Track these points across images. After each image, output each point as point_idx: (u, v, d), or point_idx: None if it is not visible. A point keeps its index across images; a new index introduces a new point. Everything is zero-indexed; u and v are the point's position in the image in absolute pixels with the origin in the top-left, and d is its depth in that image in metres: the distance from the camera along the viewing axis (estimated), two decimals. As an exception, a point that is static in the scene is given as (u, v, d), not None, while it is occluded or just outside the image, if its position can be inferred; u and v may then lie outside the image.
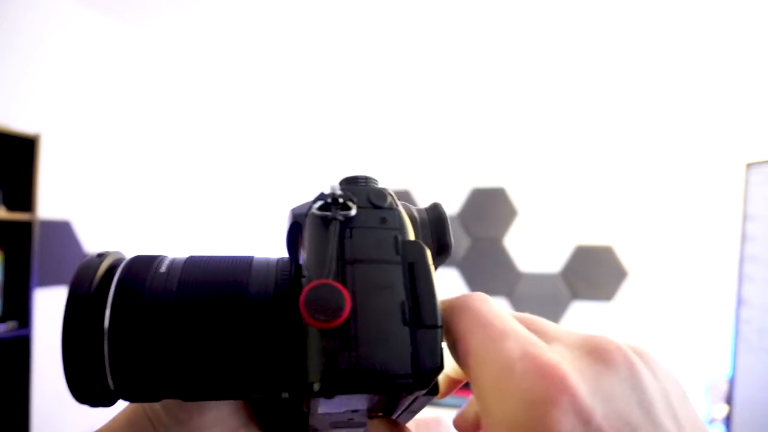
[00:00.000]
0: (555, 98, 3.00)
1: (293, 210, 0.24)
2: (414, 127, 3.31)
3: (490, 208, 3.11)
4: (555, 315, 2.90)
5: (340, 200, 0.22)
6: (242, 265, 0.23)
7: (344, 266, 0.20)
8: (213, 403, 0.25)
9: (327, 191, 0.22)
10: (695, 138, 2.76)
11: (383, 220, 0.22)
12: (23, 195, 1.74)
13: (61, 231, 2.01)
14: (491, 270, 3.10)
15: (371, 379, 0.18)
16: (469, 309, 0.19)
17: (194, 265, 0.22)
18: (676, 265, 2.71)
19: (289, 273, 0.23)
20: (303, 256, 0.21)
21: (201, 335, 0.21)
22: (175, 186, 2.57)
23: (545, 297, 2.96)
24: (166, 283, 0.21)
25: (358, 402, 0.20)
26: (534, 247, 3.03)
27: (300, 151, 3.42)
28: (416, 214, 0.25)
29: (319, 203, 0.22)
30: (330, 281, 0.20)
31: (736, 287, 2.54)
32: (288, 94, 3.16)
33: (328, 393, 0.18)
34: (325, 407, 0.20)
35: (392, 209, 0.22)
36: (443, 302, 0.20)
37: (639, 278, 2.82)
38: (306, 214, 0.22)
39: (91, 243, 2.14)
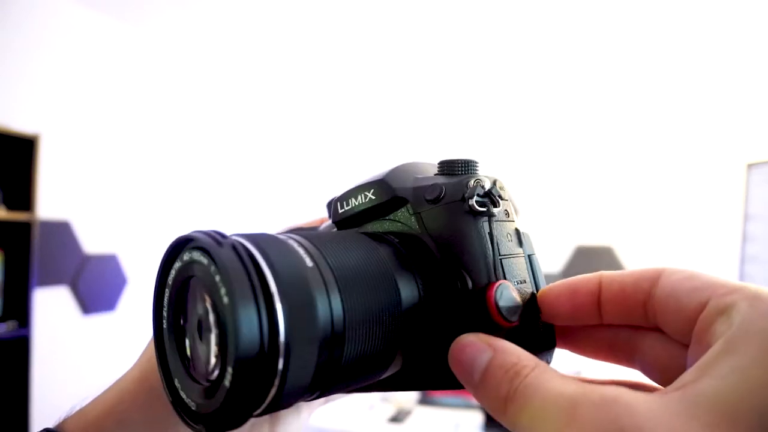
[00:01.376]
0: (555, 98, 3.00)
1: (381, 185, 0.24)
2: (414, 127, 3.31)
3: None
4: (555, 315, 2.89)
5: (491, 194, 0.22)
6: (381, 255, 0.21)
7: (501, 263, 0.21)
8: None
9: (478, 183, 0.22)
10: (696, 138, 2.75)
11: (507, 213, 0.23)
12: (23, 195, 1.74)
13: (61, 231, 2.01)
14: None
15: None
16: None
17: (329, 245, 0.20)
18: (676, 265, 2.70)
19: (426, 267, 0.22)
20: (437, 243, 0.22)
21: (371, 331, 0.19)
22: (176, 186, 2.57)
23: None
24: (317, 265, 0.19)
25: None
26: (534, 247, 3.02)
27: (300, 151, 3.42)
28: None
29: (476, 198, 0.22)
30: (506, 282, 0.21)
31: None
32: (289, 94, 3.16)
33: None
34: None
35: (509, 200, 0.24)
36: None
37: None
38: (417, 192, 0.23)
39: (91, 243, 2.14)
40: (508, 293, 0.20)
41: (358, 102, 3.26)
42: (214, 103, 2.82)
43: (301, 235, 0.20)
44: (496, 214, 0.22)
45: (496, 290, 0.20)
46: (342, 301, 0.18)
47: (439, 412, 2.41)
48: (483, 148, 3.17)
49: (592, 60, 2.52)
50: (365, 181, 0.25)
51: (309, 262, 0.18)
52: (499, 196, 0.22)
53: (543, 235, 3.01)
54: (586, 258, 2.92)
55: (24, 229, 1.74)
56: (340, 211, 0.26)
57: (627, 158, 2.90)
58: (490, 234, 0.22)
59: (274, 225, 3.15)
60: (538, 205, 3.05)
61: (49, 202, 1.94)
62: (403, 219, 0.23)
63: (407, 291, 0.21)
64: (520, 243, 0.23)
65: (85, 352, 2.11)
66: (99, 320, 2.17)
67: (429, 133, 3.27)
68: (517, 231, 0.23)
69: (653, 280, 0.19)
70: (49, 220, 1.94)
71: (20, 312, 1.73)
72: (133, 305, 2.33)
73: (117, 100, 2.26)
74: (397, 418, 2.36)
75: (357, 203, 0.25)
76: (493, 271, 0.21)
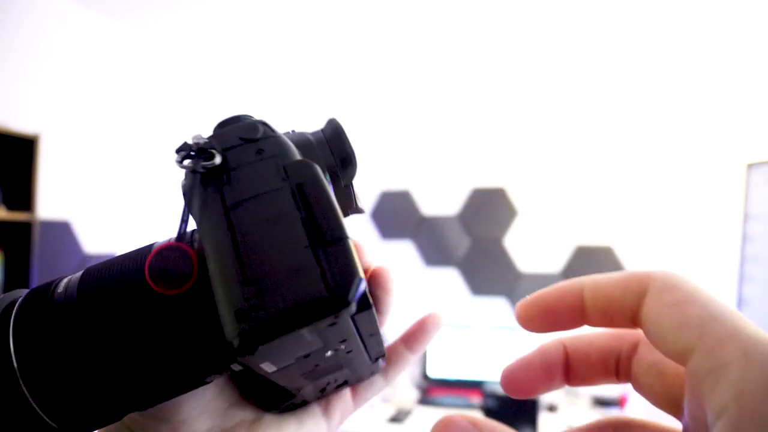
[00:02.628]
0: (555, 98, 3.00)
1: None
2: (414, 127, 3.31)
3: (490, 208, 3.11)
4: (555, 315, 2.89)
5: (202, 150, 0.20)
6: (142, 252, 0.21)
7: (228, 213, 0.18)
8: (189, 393, 0.22)
9: (193, 138, 0.20)
10: (696, 138, 2.75)
11: (260, 152, 0.20)
12: (23, 195, 1.74)
13: (61, 231, 2.01)
14: (491, 270, 3.10)
15: (287, 318, 0.16)
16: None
17: (93, 269, 0.21)
18: (677, 265, 2.71)
19: None
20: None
21: (117, 335, 0.19)
22: (175, 186, 2.57)
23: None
24: (66, 297, 0.20)
25: (301, 345, 0.17)
26: (534, 247, 3.02)
27: (300, 151, 3.41)
28: (310, 136, 0.24)
29: (182, 155, 0.20)
30: (177, 243, 0.19)
31: (736, 287, 2.54)
32: (288, 94, 3.16)
33: (250, 348, 0.16)
34: (270, 364, 0.17)
35: (268, 138, 0.21)
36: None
37: (639, 278, 2.81)
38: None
39: (91, 243, 2.14)
40: (168, 258, 0.18)
41: (358, 101, 3.26)
42: (214, 103, 2.82)
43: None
44: (203, 169, 0.19)
45: (155, 254, 0.19)
46: (78, 309, 0.19)
47: (439, 412, 2.41)
48: (483, 149, 3.17)
49: (592, 60, 2.52)
50: None
51: (60, 289, 0.20)
52: (238, 142, 0.20)
53: (543, 235, 3.01)
54: (586, 258, 2.92)
55: (24, 229, 1.74)
56: None
57: (627, 158, 2.90)
58: (218, 186, 0.19)
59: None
60: (538, 205, 3.05)
61: (49, 202, 1.94)
62: None
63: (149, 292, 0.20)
64: (279, 179, 0.19)
65: (85, 352, 2.11)
66: (99, 320, 2.17)
67: (429, 134, 3.28)
68: (275, 165, 0.20)
69: (640, 292, 0.17)
70: (49, 220, 1.94)
71: (20, 312, 1.72)
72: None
73: (117, 100, 2.26)
74: (397, 418, 2.37)
75: None
76: (181, 232, 0.20)
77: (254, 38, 2.42)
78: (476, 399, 2.52)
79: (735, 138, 2.65)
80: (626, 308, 0.17)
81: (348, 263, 0.17)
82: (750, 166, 2.56)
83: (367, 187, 3.38)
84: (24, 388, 0.18)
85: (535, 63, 2.58)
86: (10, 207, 1.72)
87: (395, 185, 3.34)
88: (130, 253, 0.21)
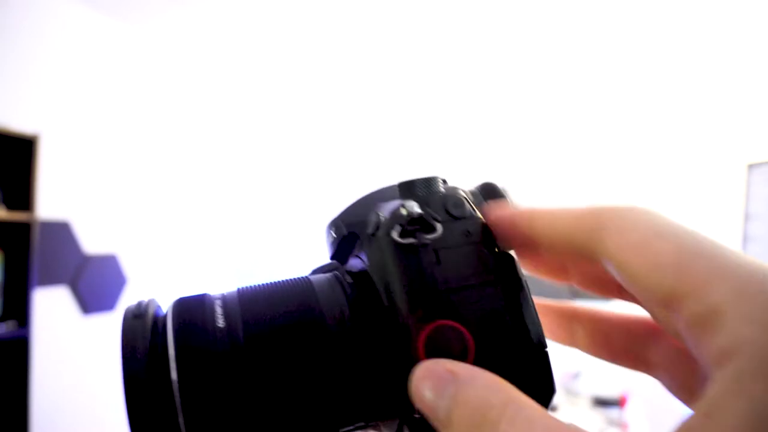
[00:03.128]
0: (555, 99, 3.00)
1: (343, 218, 0.22)
2: (414, 127, 3.30)
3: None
4: (555, 315, 2.89)
5: (422, 219, 0.19)
6: (305, 290, 0.21)
7: (443, 297, 0.18)
8: None
9: (402, 210, 0.19)
10: (697, 139, 2.75)
11: (467, 234, 0.20)
12: (23, 195, 1.74)
13: (61, 231, 2.01)
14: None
15: None
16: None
17: (251, 299, 0.20)
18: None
19: (360, 296, 0.20)
20: (377, 279, 0.20)
21: (285, 374, 0.19)
22: (175, 186, 2.56)
23: (545, 297, 2.95)
24: (230, 338, 0.19)
25: None
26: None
27: (299, 151, 3.41)
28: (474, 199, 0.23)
29: (398, 228, 0.19)
30: (449, 322, 0.18)
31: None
32: (288, 94, 3.16)
33: None
34: None
35: (473, 218, 0.20)
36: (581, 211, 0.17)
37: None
38: (366, 225, 0.21)
39: (91, 243, 2.14)
40: (444, 339, 0.18)
41: (359, 100, 3.26)
42: (214, 103, 2.82)
43: (237, 290, 0.21)
44: (430, 242, 0.19)
45: (432, 331, 0.18)
46: (248, 354, 0.18)
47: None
48: (483, 149, 3.17)
49: (592, 61, 2.51)
50: (331, 219, 0.24)
51: (221, 323, 0.19)
52: (445, 217, 0.20)
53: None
54: (586, 258, 2.92)
55: (24, 229, 1.73)
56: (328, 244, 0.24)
57: (627, 158, 2.90)
58: (419, 266, 0.19)
59: (273, 224, 3.15)
60: (537, 205, 3.04)
61: (49, 202, 1.94)
62: (362, 255, 0.22)
63: (332, 315, 0.19)
64: (488, 269, 0.19)
65: (84, 352, 2.11)
66: (99, 320, 2.17)
67: (429, 134, 3.27)
68: (484, 254, 0.20)
69: (593, 233, 0.15)
70: (49, 220, 1.94)
71: (20, 312, 1.73)
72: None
73: (117, 100, 2.26)
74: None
75: (327, 242, 0.24)
76: (428, 307, 0.18)
77: (254, 38, 2.42)
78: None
79: (736, 138, 2.65)
80: (576, 243, 0.16)
81: (548, 375, 0.18)
82: (750, 167, 2.56)
83: (366, 188, 3.37)
84: (179, 402, 0.18)
85: (535, 63, 2.57)
86: (10, 207, 1.71)
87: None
88: (294, 290, 0.21)
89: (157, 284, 2.43)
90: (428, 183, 0.21)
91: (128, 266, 2.30)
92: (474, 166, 3.18)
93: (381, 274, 0.20)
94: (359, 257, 0.22)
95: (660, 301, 0.13)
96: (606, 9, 2.01)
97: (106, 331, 2.21)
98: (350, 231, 0.22)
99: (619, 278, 0.14)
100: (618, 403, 2.58)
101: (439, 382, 0.16)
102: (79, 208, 2.09)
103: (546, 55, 2.47)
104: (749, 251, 2.49)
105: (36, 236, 1.76)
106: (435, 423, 0.16)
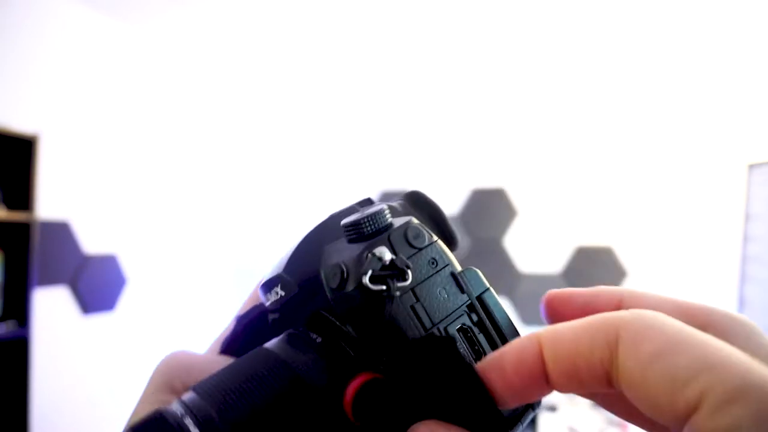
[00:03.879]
0: (555, 98, 3.00)
1: (290, 273, 0.21)
2: (414, 127, 3.30)
3: (490, 208, 3.11)
4: (555, 315, 2.89)
5: (394, 265, 0.19)
6: (267, 357, 0.20)
7: (434, 336, 0.18)
8: None
9: (369, 258, 0.18)
10: (697, 139, 2.75)
11: (433, 263, 0.20)
12: (22, 195, 1.74)
13: (60, 231, 2.01)
14: (491, 270, 3.10)
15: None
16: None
17: (216, 391, 0.18)
18: (677, 265, 2.70)
19: (332, 354, 0.20)
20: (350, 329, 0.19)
21: None
22: (175, 186, 2.56)
23: (540, 294, 2.94)
24: None
25: None
26: (534, 247, 3.02)
27: (299, 150, 3.41)
28: (410, 212, 0.23)
29: (370, 272, 0.18)
30: (375, 375, 0.18)
31: (737, 287, 2.54)
32: (288, 94, 3.15)
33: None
34: None
35: (433, 244, 0.20)
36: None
37: (639, 279, 2.81)
38: (324, 277, 0.20)
39: (90, 243, 2.14)
40: (370, 388, 0.18)
41: (357, 101, 3.26)
42: (213, 103, 2.82)
43: (196, 393, 0.19)
44: (399, 291, 0.18)
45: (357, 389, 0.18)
46: None
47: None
48: (483, 149, 3.17)
49: (592, 61, 2.51)
50: (268, 277, 0.23)
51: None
52: (409, 251, 0.19)
53: (543, 236, 3.01)
54: (586, 258, 2.92)
55: (24, 230, 1.73)
56: (267, 305, 0.23)
57: (627, 158, 2.90)
58: (392, 316, 0.18)
59: (272, 224, 3.14)
60: (538, 205, 3.05)
61: (49, 202, 1.94)
62: (324, 308, 0.21)
63: (314, 393, 0.19)
64: (461, 289, 0.20)
65: (84, 351, 2.11)
66: (98, 320, 2.17)
67: (429, 134, 3.27)
68: (453, 277, 0.20)
69: (610, 343, 0.14)
70: (48, 220, 1.94)
71: (20, 312, 1.73)
72: (133, 305, 2.33)
73: (117, 100, 2.26)
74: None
75: (271, 300, 0.23)
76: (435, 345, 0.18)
77: (254, 38, 2.42)
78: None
79: (736, 138, 2.64)
80: (596, 367, 0.14)
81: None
82: (751, 167, 2.56)
83: (366, 188, 3.37)
84: None
85: (535, 63, 2.57)
86: (10, 207, 1.71)
87: (395, 186, 3.33)
88: (254, 362, 0.19)
89: (156, 284, 2.43)
90: (375, 219, 0.20)
91: (128, 266, 2.30)
92: (472, 166, 3.18)
93: (356, 327, 0.19)
94: (322, 313, 0.20)
95: (675, 418, 0.12)
96: (606, 10, 2.01)
97: (106, 331, 2.21)
98: (301, 286, 0.21)
99: (635, 399, 0.13)
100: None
101: None
102: (79, 208, 2.09)
103: (545, 56, 2.47)
104: (750, 251, 2.49)
105: (36, 236, 1.76)
106: None
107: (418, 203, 0.24)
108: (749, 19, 2.06)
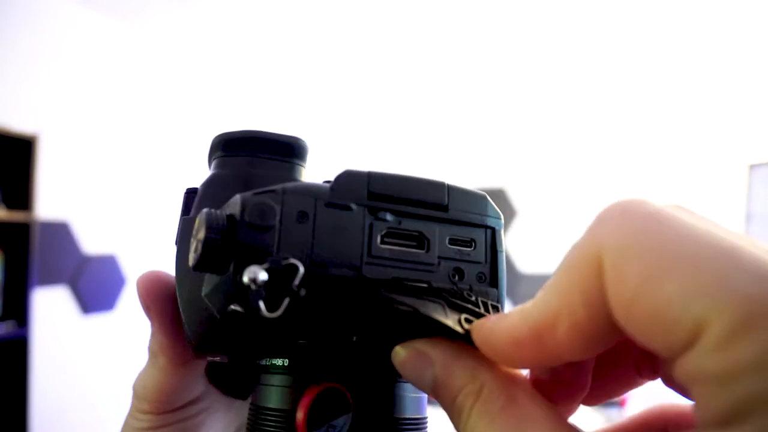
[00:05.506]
0: (555, 99, 2.99)
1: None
2: (414, 127, 3.30)
3: (490, 208, 3.11)
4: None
5: (277, 268, 0.15)
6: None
7: (365, 279, 0.17)
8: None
9: (248, 280, 0.14)
10: (698, 139, 2.75)
11: (303, 216, 0.17)
12: (22, 195, 1.74)
13: (60, 231, 2.01)
14: (492, 270, 3.09)
15: None
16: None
17: None
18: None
19: None
20: None
21: None
22: (175, 186, 2.56)
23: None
24: None
25: None
26: (534, 247, 3.02)
27: (300, 151, 3.41)
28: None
29: (261, 304, 0.15)
30: (333, 384, 0.18)
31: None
32: (288, 94, 3.15)
33: None
34: None
35: (284, 199, 0.17)
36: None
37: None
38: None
39: (90, 243, 2.13)
40: (327, 397, 0.17)
41: (357, 101, 3.26)
42: (213, 102, 2.82)
43: None
44: (303, 289, 0.15)
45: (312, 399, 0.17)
46: None
47: (439, 411, 2.40)
48: (483, 149, 3.16)
49: (593, 62, 2.51)
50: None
51: None
52: (278, 240, 0.15)
53: (543, 236, 3.00)
54: (586, 258, 2.92)
55: (23, 230, 1.73)
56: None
57: (628, 159, 2.90)
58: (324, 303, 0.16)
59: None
60: (538, 205, 3.04)
61: (49, 202, 1.93)
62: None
63: None
64: (345, 207, 0.17)
65: (84, 351, 2.11)
66: (98, 320, 2.17)
67: (429, 134, 3.27)
68: (330, 206, 0.17)
69: (593, 283, 0.11)
70: (48, 220, 1.94)
71: (19, 312, 1.72)
72: (132, 305, 2.33)
73: (116, 99, 2.25)
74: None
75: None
76: None
77: (254, 38, 2.42)
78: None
79: (737, 139, 2.64)
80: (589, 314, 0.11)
81: None
82: (752, 167, 2.56)
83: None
84: None
85: (535, 63, 2.57)
86: (10, 207, 1.71)
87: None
88: None
89: (156, 284, 2.43)
90: (208, 238, 0.16)
91: (127, 266, 2.30)
92: (472, 166, 3.17)
93: None
94: None
95: (671, 353, 0.10)
96: (607, 10, 2.01)
97: (106, 331, 2.21)
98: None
99: (632, 336, 0.11)
100: (618, 403, 2.57)
101: (420, 365, 0.15)
102: (79, 208, 2.09)
103: (545, 56, 2.47)
104: (750, 251, 2.49)
105: (35, 236, 1.76)
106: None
107: (234, 148, 0.20)
108: (749, 19, 2.06)
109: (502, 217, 0.20)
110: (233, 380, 0.25)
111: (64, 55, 2.03)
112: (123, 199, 2.28)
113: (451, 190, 0.18)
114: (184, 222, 0.20)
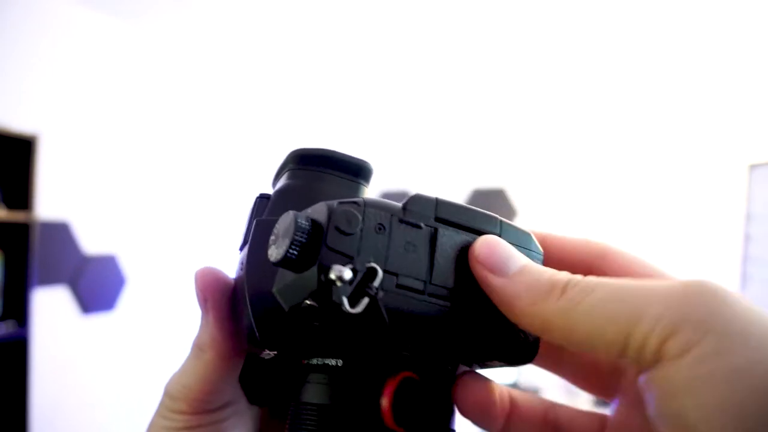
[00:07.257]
0: (555, 99, 2.99)
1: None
2: (414, 127, 3.30)
3: (490, 208, 3.10)
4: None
5: (359, 270, 0.17)
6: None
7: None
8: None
9: (335, 276, 0.16)
10: (698, 139, 2.75)
11: (380, 228, 0.20)
12: (22, 195, 1.74)
13: (60, 231, 2.01)
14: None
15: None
16: None
17: None
18: (678, 265, 2.70)
19: None
20: None
21: None
22: (175, 186, 2.56)
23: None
24: None
25: None
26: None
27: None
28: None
29: (344, 299, 0.17)
30: (412, 374, 0.20)
31: (738, 287, 2.53)
32: (288, 94, 3.15)
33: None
34: None
35: (365, 210, 0.19)
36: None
37: (640, 279, 2.81)
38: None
39: (90, 243, 2.13)
40: (410, 389, 0.19)
41: (358, 101, 3.26)
42: (213, 102, 2.82)
43: None
44: (381, 291, 0.17)
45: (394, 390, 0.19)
46: None
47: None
48: (483, 149, 3.16)
49: (593, 61, 2.51)
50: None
51: None
52: (359, 245, 0.17)
53: (544, 236, 3.00)
54: (587, 258, 2.91)
55: (23, 230, 1.73)
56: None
57: (628, 159, 2.90)
58: (393, 311, 0.17)
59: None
60: (538, 205, 3.04)
61: (49, 202, 1.93)
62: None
63: None
64: (417, 226, 0.19)
65: (84, 351, 2.11)
66: (98, 320, 2.17)
67: (429, 134, 3.27)
68: (402, 223, 0.18)
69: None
70: (48, 220, 1.94)
71: (19, 312, 1.72)
72: (132, 305, 2.32)
73: (116, 99, 2.25)
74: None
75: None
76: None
77: (254, 38, 2.41)
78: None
79: (737, 139, 2.64)
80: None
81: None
82: (752, 167, 2.56)
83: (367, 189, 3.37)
84: None
85: (535, 63, 2.57)
86: (10, 207, 1.71)
87: (395, 186, 3.33)
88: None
89: (156, 284, 2.43)
90: (297, 235, 0.17)
91: (128, 266, 2.30)
92: (472, 166, 3.17)
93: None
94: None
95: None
96: (606, 10, 2.01)
97: (106, 331, 2.21)
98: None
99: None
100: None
101: (510, 253, 0.20)
102: (79, 208, 2.09)
103: (545, 57, 2.47)
104: (751, 252, 2.49)
105: (35, 236, 1.76)
106: (491, 278, 0.19)
107: (308, 162, 0.22)
108: (749, 19, 2.05)
109: (542, 253, 0.22)
110: (264, 386, 0.26)
111: (64, 55, 2.03)
112: (123, 199, 2.28)
113: (503, 224, 0.21)
114: (258, 223, 0.22)
